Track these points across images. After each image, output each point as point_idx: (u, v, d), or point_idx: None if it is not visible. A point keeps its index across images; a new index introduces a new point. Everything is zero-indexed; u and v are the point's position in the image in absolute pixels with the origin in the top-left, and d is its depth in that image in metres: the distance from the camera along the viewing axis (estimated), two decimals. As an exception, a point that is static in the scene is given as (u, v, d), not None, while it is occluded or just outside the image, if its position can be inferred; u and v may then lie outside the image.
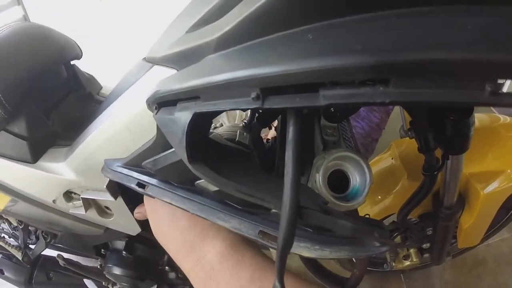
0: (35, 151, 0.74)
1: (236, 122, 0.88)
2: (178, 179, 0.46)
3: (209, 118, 0.40)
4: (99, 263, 0.93)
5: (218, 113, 0.38)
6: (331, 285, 0.66)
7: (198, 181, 0.42)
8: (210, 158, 0.37)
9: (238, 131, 0.55)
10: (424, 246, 0.95)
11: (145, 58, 0.59)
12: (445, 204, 0.77)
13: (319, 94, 0.25)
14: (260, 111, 0.51)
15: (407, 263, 0.99)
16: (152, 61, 0.56)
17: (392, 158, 0.87)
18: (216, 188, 0.39)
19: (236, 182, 0.33)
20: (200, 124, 0.36)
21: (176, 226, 0.51)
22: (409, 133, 0.64)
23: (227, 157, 0.42)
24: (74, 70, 0.88)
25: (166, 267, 0.87)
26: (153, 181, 0.50)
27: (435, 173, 0.61)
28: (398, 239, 0.97)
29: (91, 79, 0.91)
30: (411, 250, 0.98)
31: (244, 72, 0.27)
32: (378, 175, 0.88)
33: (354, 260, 0.69)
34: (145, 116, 0.55)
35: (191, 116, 0.33)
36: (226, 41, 0.33)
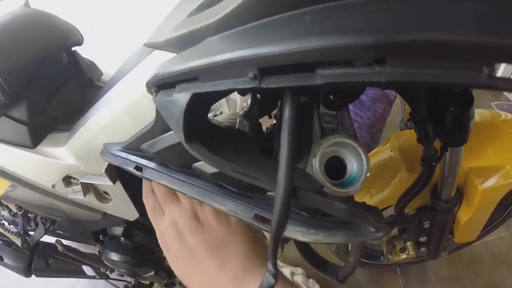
0: (35, 136, 0.75)
1: (236, 111, 0.89)
2: (175, 162, 0.47)
3: (208, 101, 0.40)
4: (98, 249, 0.94)
5: (217, 94, 0.39)
6: (326, 273, 0.67)
7: (195, 164, 0.42)
8: (208, 139, 0.37)
9: (238, 119, 0.55)
10: (421, 239, 0.96)
11: (146, 43, 0.60)
12: (443, 197, 0.78)
13: (316, 74, 0.25)
14: (259, 96, 0.52)
15: (403, 256, 1.00)
16: (153, 46, 0.57)
17: (391, 150, 0.87)
18: (213, 170, 0.40)
19: (232, 162, 0.33)
20: (199, 106, 0.37)
21: (200, 268, 0.47)
22: (408, 123, 0.64)
23: (225, 140, 0.42)
24: (75, 56, 0.88)
25: (164, 254, 0.88)
26: (151, 164, 0.51)
27: (433, 164, 0.62)
28: (395, 232, 0.98)
29: (91, 65, 0.91)
30: (408, 243, 0.99)
31: (243, 52, 0.27)
32: (376, 167, 0.89)
33: (350, 249, 0.70)
34: (145, 100, 0.55)
35: (189, 96, 0.34)
36: (227, 23, 0.33)
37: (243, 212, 0.41)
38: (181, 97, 0.35)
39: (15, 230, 1.04)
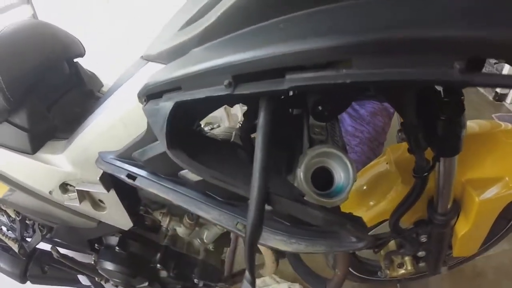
0: (35, 143, 0.77)
1: (232, 125, 0.90)
2: (163, 170, 0.48)
3: (193, 111, 0.42)
4: (93, 259, 0.95)
5: (200, 104, 0.40)
6: (315, 285, 0.66)
7: (181, 172, 0.43)
8: (191, 147, 0.38)
9: (234, 133, 0.57)
10: (419, 254, 0.95)
11: (142, 56, 0.62)
12: (439, 210, 0.77)
13: (284, 79, 0.26)
14: (245, 107, 0.53)
15: (402, 271, 0.99)
16: (148, 58, 0.59)
17: (387, 163, 0.87)
18: (197, 178, 0.41)
19: (212, 169, 0.34)
20: (182, 115, 0.38)
21: None
22: (399, 134, 0.64)
23: (212, 149, 0.44)
24: (76, 67, 0.91)
25: (158, 265, 0.88)
26: (142, 172, 0.52)
27: (425, 175, 0.62)
28: (392, 246, 0.96)
29: (92, 77, 0.94)
30: (406, 258, 0.97)
31: (218, 61, 0.29)
32: (372, 179, 0.88)
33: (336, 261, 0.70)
34: (139, 110, 0.57)
35: (172, 105, 0.35)
36: (208, 35, 0.35)
37: (227, 220, 0.42)
38: (166, 105, 0.37)
39: (12, 235, 1.05)
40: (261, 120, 0.30)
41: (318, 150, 0.48)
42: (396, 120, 1.48)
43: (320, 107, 0.57)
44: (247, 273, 0.34)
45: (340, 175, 0.50)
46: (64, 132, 0.78)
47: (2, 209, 1.01)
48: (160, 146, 0.45)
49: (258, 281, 1.28)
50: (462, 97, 0.56)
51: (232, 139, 0.57)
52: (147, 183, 0.50)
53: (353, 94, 0.55)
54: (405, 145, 0.90)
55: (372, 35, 0.23)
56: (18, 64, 0.76)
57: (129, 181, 0.53)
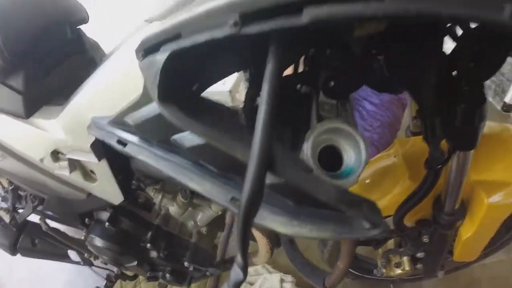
0: (29, 107, 0.72)
1: (236, 104, 0.85)
2: (156, 136, 0.43)
3: (192, 68, 0.36)
4: (83, 234, 0.90)
5: (197, 51, 0.34)
6: (313, 279, 0.61)
7: (174, 136, 0.38)
8: (186, 104, 0.33)
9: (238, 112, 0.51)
10: (418, 255, 0.90)
11: (146, 19, 0.56)
12: (446, 209, 0.72)
13: (302, 13, 0.21)
14: (251, 73, 0.47)
15: (398, 271, 0.94)
16: (151, 20, 0.53)
17: (394, 156, 0.82)
18: (191, 144, 0.36)
19: (207, 126, 0.29)
20: (180, 69, 0.33)
21: None
22: (415, 121, 0.59)
23: (210, 111, 0.38)
24: (79, 33, 0.86)
25: (149, 245, 0.83)
26: (134, 138, 0.47)
27: (439, 167, 0.56)
28: (391, 244, 0.92)
29: (95, 45, 0.89)
30: (404, 258, 0.92)
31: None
32: (378, 172, 0.83)
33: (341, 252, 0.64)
34: (136, 73, 0.52)
35: (167, 54, 0.30)
36: None
37: (220, 194, 0.36)
38: (162, 55, 0.31)
39: (5, 206, 1.01)
40: (269, 66, 0.24)
41: (328, 125, 0.42)
42: (407, 114, 1.45)
43: (332, 82, 0.51)
44: (238, 257, 0.29)
45: (350, 156, 0.45)
46: (61, 98, 0.73)
47: (-5, 179, 0.96)
48: (152, 108, 0.40)
49: (250, 269, 1.24)
50: (483, 88, 0.50)
51: None
52: (137, 150, 0.45)
53: (368, 72, 0.49)
54: (413, 139, 0.85)
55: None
56: (18, 20, 0.71)
57: (119, 147, 0.48)
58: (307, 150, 0.39)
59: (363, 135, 0.42)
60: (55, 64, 0.79)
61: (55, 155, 0.70)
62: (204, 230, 0.90)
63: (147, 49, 0.38)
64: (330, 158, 0.44)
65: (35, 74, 0.73)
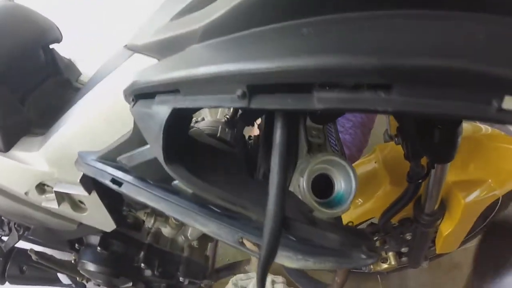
0: (8, 139, 0.68)
1: (218, 117, 0.85)
2: (154, 177, 0.42)
3: (189, 114, 0.36)
4: (73, 257, 0.88)
5: (198, 109, 0.35)
6: (310, 289, 0.63)
7: (175, 182, 0.38)
8: (189, 158, 0.33)
9: (220, 127, 0.51)
10: (403, 250, 0.94)
11: (126, 45, 0.55)
12: (426, 211, 0.75)
13: (313, 96, 0.22)
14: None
15: (385, 266, 0.98)
16: (133, 49, 0.52)
17: (375, 162, 0.85)
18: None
19: (216, 187, 0.29)
20: (179, 121, 0.32)
21: None
22: (396, 139, 0.61)
23: (207, 156, 0.38)
24: (52, 54, 0.82)
25: (142, 264, 0.82)
26: (129, 178, 0.46)
27: (420, 181, 0.59)
28: (377, 243, 0.95)
29: (70, 65, 0.85)
30: (390, 254, 0.96)
31: (231, 65, 0.23)
32: (360, 178, 0.85)
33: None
34: (123, 106, 0.50)
35: (169, 111, 0.30)
36: (213, 30, 0.29)
37: (227, 235, 0.37)
38: (161, 110, 0.31)
39: (-13, 234, 0.96)
40: (278, 139, 0.25)
41: (321, 158, 0.44)
42: (380, 117, 1.47)
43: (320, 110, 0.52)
44: None
45: (340, 184, 0.47)
46: (40, 127, 0.69)
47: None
48: (150, 151, 0.39)
49: (240, 274, 1.25)
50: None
51: (218, 134, 0.52)
52: (135, 190, 0.44)
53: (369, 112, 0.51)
54: (392, 144, 0.88)
55: (424, 60, 0.18)
56: (-13, 50, 0.66)
57: (114, 187, 0.47)
58: (303, 184, 0.41)
59: (352, 165, 0.44)
60: (30, 90, 0.75)
61: (41, 187, 0.67)
62: (195, 243, 0.90)
63: (139, 95, 0.38)
64: (320, 185, 0.46)
65: (11, 104, 0.69)
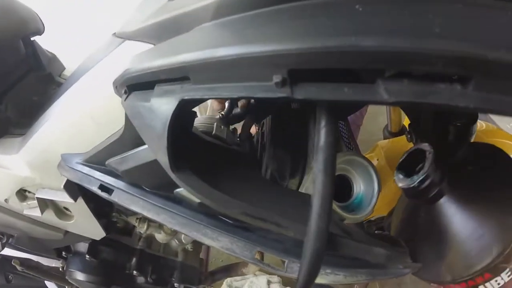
0: (-16, 141, 0.60)
1: (208, 114, 0.77)
2: (151, 184, 0.35)
3: (195, 106, 0.29)
4: (61, 265, 0.79)
5: (206, 100, 0.28)
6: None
7: (178, 189, 0.31)
8: (197, 161, 0.26)
9: (215, 124, 0.44)
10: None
11: (115, 33, 0.47)
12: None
13: (379, 86, 0.16)
14: (252, 101, 0.41)
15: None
16: (124, 36, 0.44)
17: (377, 159, 0.80)
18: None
19: (240, 200, 0.22)
20: (185, 116, 0.26)
21: None
22: (409, 136, 0.57)
23: (217, 158, 0.31)
24: (34, 47, 0.72)
25: (134, 272, 0.75)
26: (120, 184, 0.38)
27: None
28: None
29: (52, 59, 0.76)
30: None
31: (265, 45, 0.17)
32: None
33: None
34: (112, 102, 0.42)
35: (176, 103, 0.23)
36: (233, 5, 0.22)
37: (242, 250, 0.30)
38: (164, 103, 0.24)
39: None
40: (322, 139, 0.18)
41: (342, 158, 0.38)
42: (376, 114, 1.42)
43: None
44: None
45: (360, 186, 0.41)
46: (20, 126, 0.61)
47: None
48: (146, 153, 0.32)
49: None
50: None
51: (214, 132, 0.45)
52: (128, 199, 0.37)
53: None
54: (392, 140, 0.84)
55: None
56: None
57: (103, 194, 0.39)
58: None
59: (374, 166, 0.38)
60: (9, 86, 0.66)
61: (22, 193, 0.59)
62: (189, 247, 0.84)
63: (133, 86, 0.31)
64: (336, 186, 0.40)
65: (-13, 102, 0.61)
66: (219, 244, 0.31)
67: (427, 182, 0.32)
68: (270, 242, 0.30)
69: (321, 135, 0.19)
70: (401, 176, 0.35)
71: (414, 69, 0.16)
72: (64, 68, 0.78)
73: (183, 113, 0.24)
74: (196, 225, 0.32)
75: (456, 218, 0.37)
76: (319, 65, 0.16)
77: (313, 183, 0.19)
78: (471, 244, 0.35)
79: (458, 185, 0.37)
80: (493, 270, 0.33)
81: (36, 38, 0.74)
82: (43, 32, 0.74)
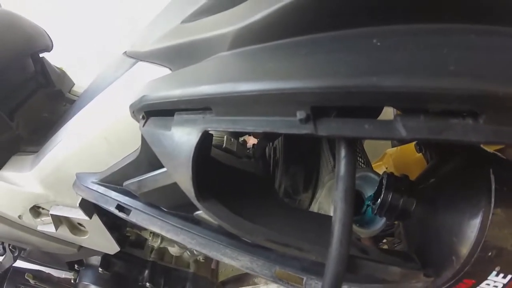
0: (-3, 158, 0.61)
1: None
2: (170, 205, 0.36)
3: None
4: (73, 277, 0.81)
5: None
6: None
7: (198, 212, 0.32)
8: (217, 185, 0.27)
9: (225, 137, 0.46)
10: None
11: (126, 52, 0.48)
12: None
13: (397, 123, 0.17)
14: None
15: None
16: (136, 56, 0.45)
17: (386, 168, 0.81)
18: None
19: (264, 226, 0.24)
20: (207, 145, 0.27)
21: None
22: (418, 147, 0.57)
23: (236, 183, 0.32)
24: (42, 63, 0.74)
25: (147, 284, 0.76)
26: (137, 204, 0.40)
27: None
28: (385, 246, 0.92)
29: (62, 75, 0.78)
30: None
31: (288, 82, 0.18)
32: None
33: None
34: (127, 123, 0.44)
35: (199, 135, 0.24)
36: (251, 36, 0.23)
37: (261, 268, 0.31)
38: (186, 134, 0.25)
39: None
40: (342, 170, 0.19)
41: (357, 174, 0.39)
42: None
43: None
44: None
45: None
46: (31, 144, 0.63)
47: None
48: (164, 176, 0.33)
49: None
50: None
51: (224, 145, 0.46)
52: (147, 219, 0.38)
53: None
54: (401, 148, 0.85)
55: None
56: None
57: (121, 215, 0.40)
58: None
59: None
60: (19, 104, 0.68)
61: (36, 210, 0.60)
62: (201, 258, 0.85)
63: (151, 112, 0.32)
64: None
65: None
66: (239, 263, 0.32)
67: (385, 207, 0.33)
68: (289, 261, 0.31)
69: (341, 166, 0.20)
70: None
71: (431, 107, 0.17)
72: (74, 84, 0.80)
73: (205, 143, 0.25)
74: (216, 245, 0.33)
75: (431, 228, 0.37)
76: (341, 103, 0.17)
77: (334, 211, 0.20)
78: (443, 251, 0.34)
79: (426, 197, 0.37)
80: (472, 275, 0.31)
81: (44, 55, 0.76)
82: (51, 49, 0.76)
